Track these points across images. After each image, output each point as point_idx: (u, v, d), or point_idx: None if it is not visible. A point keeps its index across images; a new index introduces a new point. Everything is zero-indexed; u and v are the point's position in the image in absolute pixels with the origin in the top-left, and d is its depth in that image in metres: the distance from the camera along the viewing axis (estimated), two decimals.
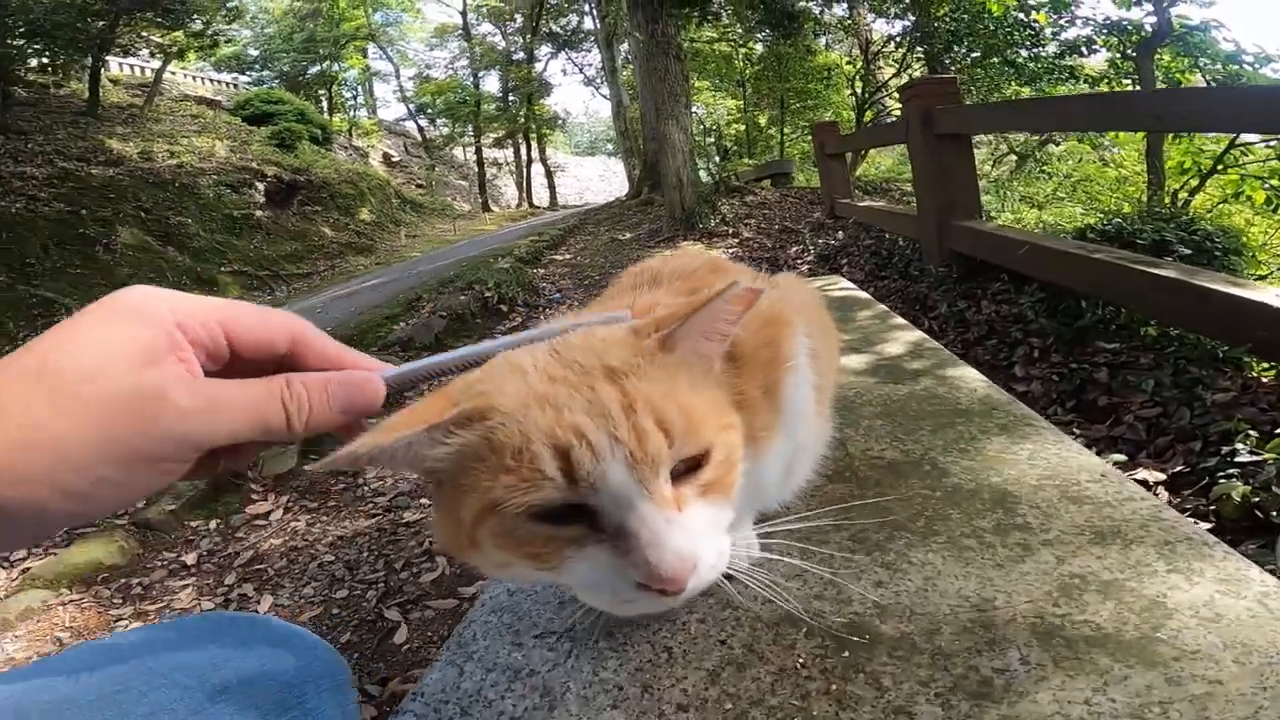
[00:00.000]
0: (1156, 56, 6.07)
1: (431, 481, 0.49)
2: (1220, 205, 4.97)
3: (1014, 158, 8.92)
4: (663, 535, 0.44)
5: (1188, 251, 2.64)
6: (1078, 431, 1.93)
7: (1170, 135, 5.08)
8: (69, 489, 0.31)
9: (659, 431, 0.45)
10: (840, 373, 1.34)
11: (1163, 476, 1.67)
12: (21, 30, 7.69)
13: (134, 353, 0.33)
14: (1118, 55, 6.59)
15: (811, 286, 0.89)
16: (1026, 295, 2.67)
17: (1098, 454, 1.81)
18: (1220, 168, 4.50)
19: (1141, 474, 1.68)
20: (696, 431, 0.47)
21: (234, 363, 0.39)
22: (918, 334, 1.56)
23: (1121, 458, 1.75)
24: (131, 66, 12.29)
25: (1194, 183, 4.66)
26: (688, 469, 0.47)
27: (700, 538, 0.46)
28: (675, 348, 0.49)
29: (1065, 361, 2.29)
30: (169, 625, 0.52)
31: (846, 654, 0.59)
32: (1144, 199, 5.08)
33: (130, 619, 2.03)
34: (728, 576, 0.60)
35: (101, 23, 8.35)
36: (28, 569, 2.32)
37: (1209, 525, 1.44)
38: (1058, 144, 8.50)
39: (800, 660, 0.59)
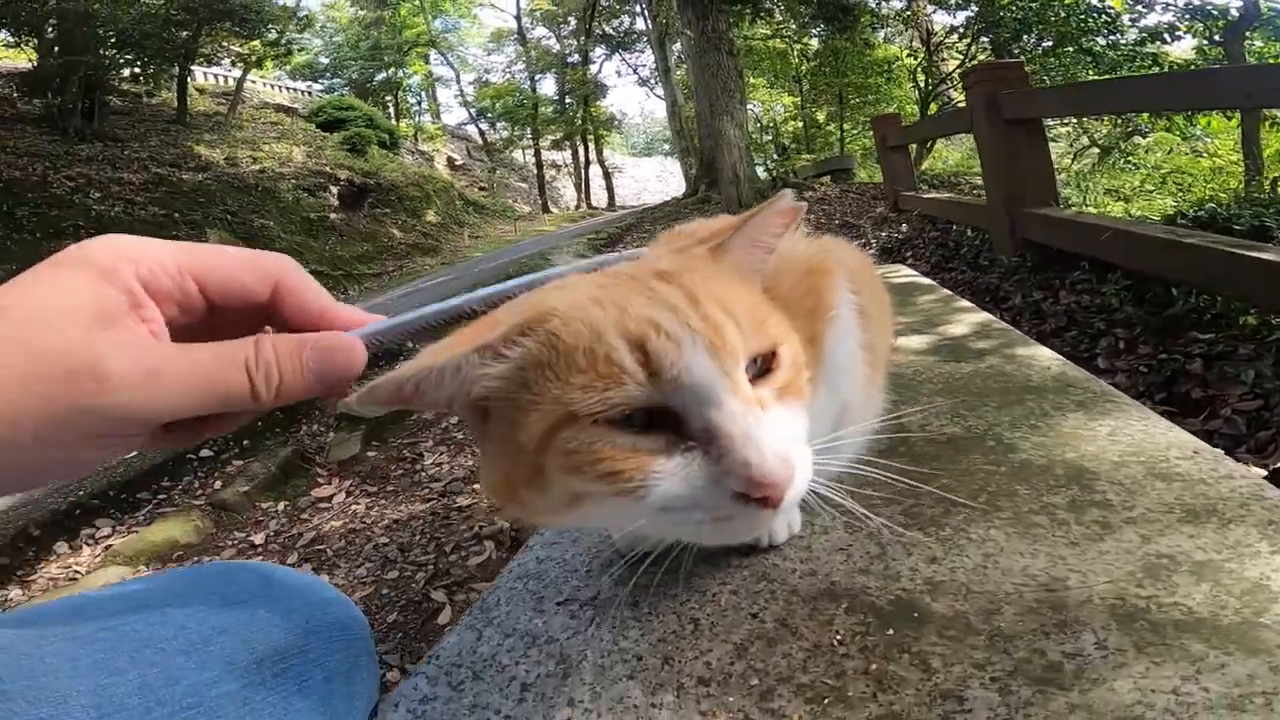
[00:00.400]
0: (1246, 41, 5.63)
1: (477, 417, 0.44)
2: None
3: (1096, 151, 8.41)
4: (758, 433, 0.39)
5: None
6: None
7: (1268, 122, 4.69)
8: None
9: (731, 321, 0.42)
10: (898, 351, 1.27)
11: (1263, 472, 1.52)
12: (112, 40, 8.23)
13: (87, 311, 0.30)
14: (1204, 41, 6.13)
15: (858, 249, 0.83)
16: (1110, 284, 2.49)
17: None
18: None
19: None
20: (763, 326, 0.44)
21: (212, 314, 0.36)
22: (984, 315, 1.46)
23: (1218, 453, 1.60)
24: (215, 76, 13.05)
25: None
26: (759, 373, 0.44)
27: (792, 438, 0.43)
28: (726, 255, 0.48)
29: (1154, 352, 2.12)
30: (187, 571, 0.53)
31: (891, 632, 0.53)
32: (1241, 188, 4.69)
33: None
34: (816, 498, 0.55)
35: (185, 33, 8.88)
36: (110, 545, 2.46)
37: None
38: (1144, 135, 7.97)
39: (838, 637, 0.54)
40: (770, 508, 0.39)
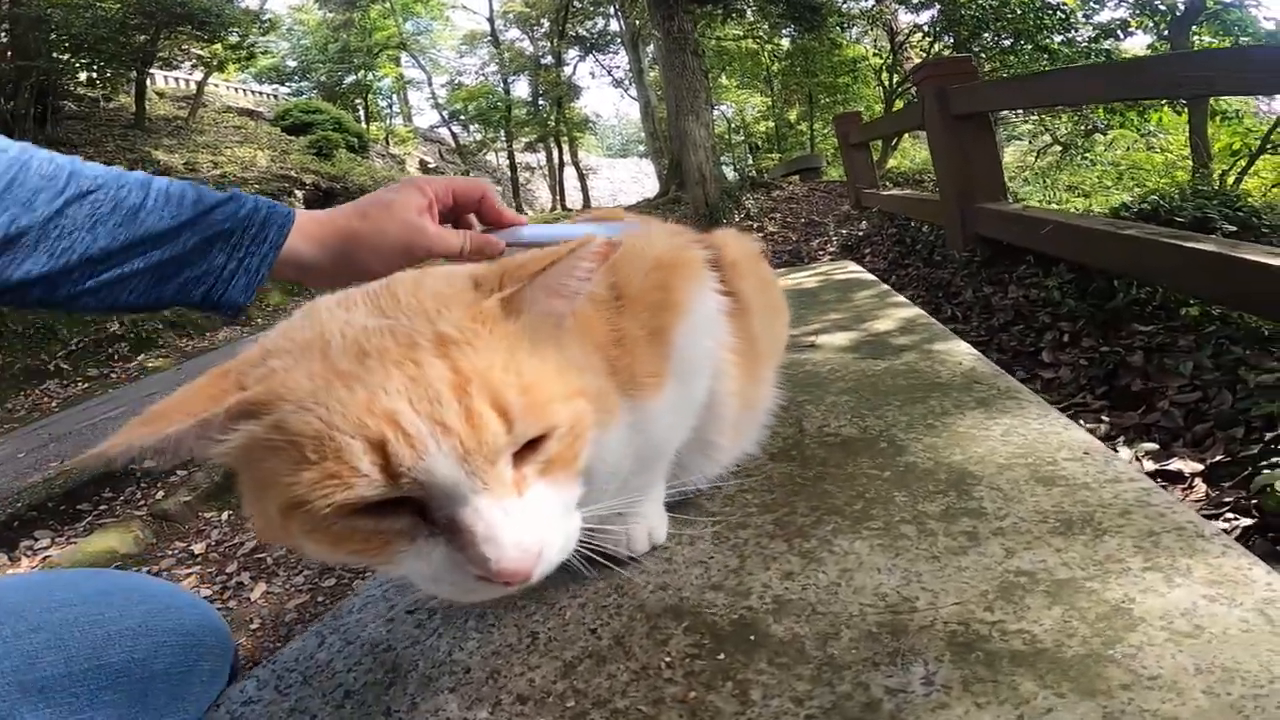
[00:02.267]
0: (1194, 35, 5.74)
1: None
2: (1275, 188, 4.63)
3: (1058, 148, 8.53)
4: (500, 529, 0.38)
5: (1232, 228, 2.44)
6: (1108, 419, 1.77)
7: (1217, 117, 4.78)
8: (381, 253, 0.62)
9: (497, 415, 0.37)
10: (818, 349, 1.23)
11: (1200, 467, 1.51)
12: (66, 44, 8.01)
13: (417, 206, 0.63)
14: (1155, 37, 6.26)
15: (751, 242, 0.79)
16: (1054, 277, 2.49)
17: (1128, 443, 1.66)
18: (1270, 147, 4.18)
19: (1176, 464, 1.53)
20: (540, 410, 0.40)
21: (455, 205, 0.68)
22: (914, 310, 1.43)
23: (1153, 446, 1.59)
24: (175, 79, 12.76)
25: (1243, 164, 4.35)
26: (528, 445, 0.40)
27: (545, 522, 0.40)
28: (521, 310, 0.42)
29: (1096, 346, 2.12)
30: (61, 574, 0.64)
31: (722, 656, 0.49)
32: (1189, 180, 4.77)
33: None
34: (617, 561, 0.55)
35: (143, 36, 8.65)
36: (48, 557, 2.38)
37: (1250, 521, 1.29)
38: (1103, 132, 8.10)
39: (667, 659, 0.50)
40: (517, 584, 0.40)
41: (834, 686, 0.45)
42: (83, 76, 9.21)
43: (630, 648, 0.53)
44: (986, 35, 7.19)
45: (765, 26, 11.38)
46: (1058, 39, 6.75)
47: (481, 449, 0.37)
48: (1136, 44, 6.73)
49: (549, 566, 0.41)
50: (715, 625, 0.53)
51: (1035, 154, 9.02)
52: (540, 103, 20.49)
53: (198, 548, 2.31)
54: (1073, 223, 2.36)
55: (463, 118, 20.97)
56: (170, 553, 2.34)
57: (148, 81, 10.30)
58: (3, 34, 7.98)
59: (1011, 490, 0.64)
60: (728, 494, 0.72)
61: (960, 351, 1.09)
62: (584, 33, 19.24)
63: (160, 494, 2.75)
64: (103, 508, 2.76)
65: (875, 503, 0.65)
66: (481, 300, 0.41)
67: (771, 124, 13.54)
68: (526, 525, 0.39)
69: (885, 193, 4.85)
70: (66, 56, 8.17)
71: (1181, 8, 5.41)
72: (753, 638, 0.50)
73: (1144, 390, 1.87)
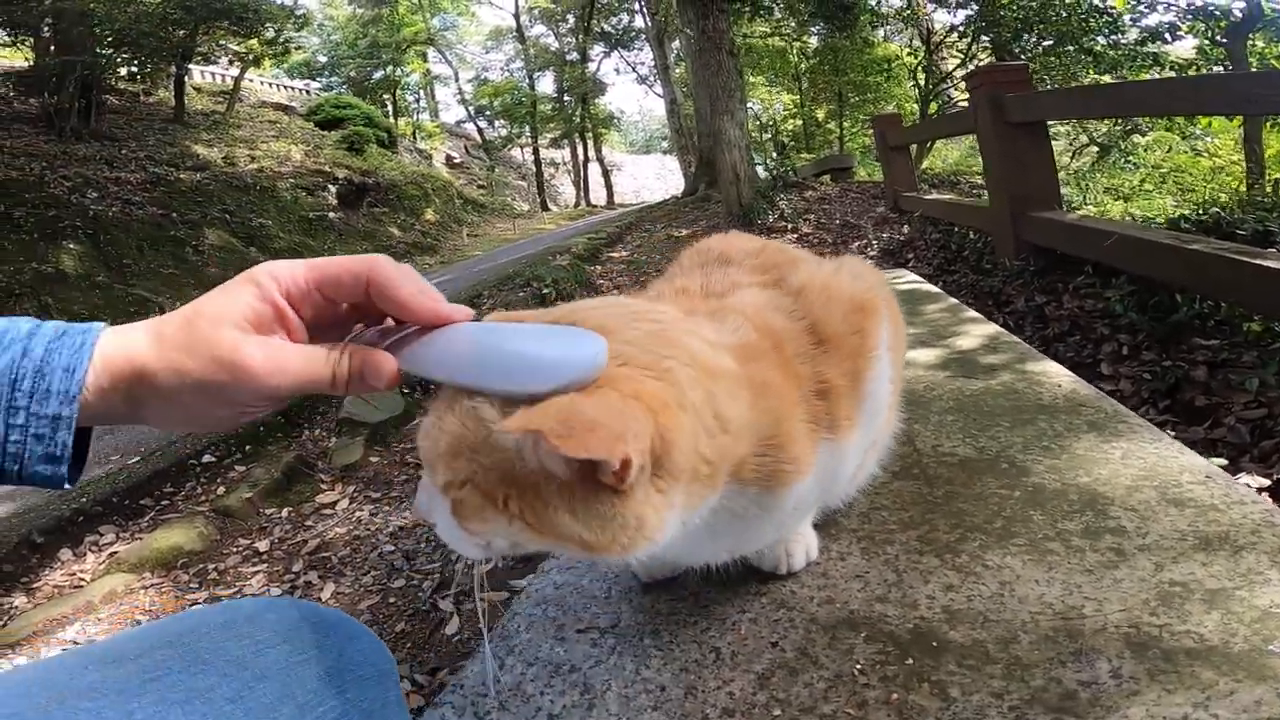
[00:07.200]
0: (1249, 42, 5.62)
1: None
2: None
3: (1095, 149, 8.41)
4: None
5: None
6: (1173, 433, 1.78)
7: (1269, 123, 4.69)
8: (181, 403, 0.41)
9: None
10: (908, 365, 1.27)
11: (1267, 482, 1.52)
12: (109, 39, 8.19)
13: (242, 317, 0.41)
14: (1206, 41, 6.14)
15: (874, 268, 0.83)
16: (1114, 289, 2.49)
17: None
18: None
19: (1244, 479, 1.54)
20: None
21: (334, 307, 0.46)
22: (993, 328, 1.46)
23: (1222, 461, 1.61)
24: (213, 74, 13.00)
25: None
26: None
27: None
28: None
29: (1158, 359, 2.13)
30: (219, 609, 0.52)
31: (910, 661, 0.54)
32: (1242, 189, 4.69)
33: (204, 602, 2.10)
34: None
35: (182, 31, 8.83)
36: (115, 553, 2.43)
37: None
38: (1144, 134, 7.96)
39: (858, 666, 0.55)
40: None
41: (1027, 682, 0.50)
42: (123, 71, 9.42)
43: (816, 657, 0.57)
44: (1028, 37, 7.09)
45: (792, 24, 11.33)
46: (1102, 41, 6.65)
47: None
48: (1183, 47, 6.62)
49: None
50: (893, 634, 0.57)
51: (1071, 155, 8.90)
52: (565, 98, 20.55)
53: (262, 545, 2.33)
54: (1136, 234, 2.36)
55: (488, 113, 21.10)
56: (235, 549, 2.35)
57: (186, 77, 10.51)
58: (46, 28, 8.18)
59: (1145, 511, 0.68)
60: (861, 511, 0.77)
61: (1056, 372, 1.12)
62: (609, 29, 19.25)
63: (221, 490, 2.80)
64: (164, 503, 2.78)
65: (1015, 521, 0.70)
66: None
67: (799, 122, 13.47)
68: None
69: (928, 197, 4.84)
70: (109, 51, 8.35)
71: (1238, 14, 5.31)
72: (934, 644, 0.55)
73: (1208, 405, 1.88)
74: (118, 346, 0.40)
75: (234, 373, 0.40)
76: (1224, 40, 5.54)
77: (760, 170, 7.70)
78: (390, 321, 0.47)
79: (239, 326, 0.41)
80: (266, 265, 0.43)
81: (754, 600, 0.65)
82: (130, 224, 7.22)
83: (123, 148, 8.74)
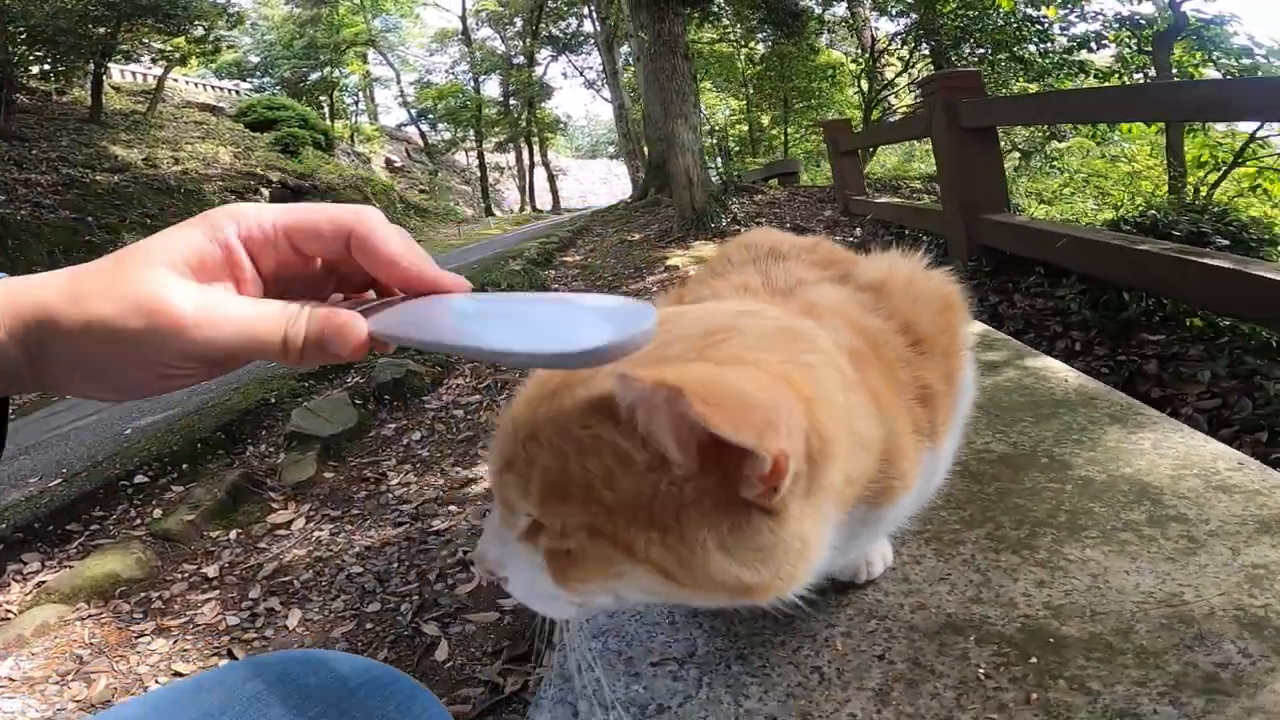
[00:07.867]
0: (1172, 54, 6.03)
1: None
2: (1237, 198, 4.93)
3: (1017, 155, 8.87)
4: None
5: (1225, 243, 2.60)
6: None
7: (1187, 129, 5.05)
8: (89, 358, 0.33)
9: None
10: None
11: None
12: (23, 36, 7.65)
13: (181, 258, 0.34)
14: (1128, 50, 6.57)
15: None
16: (1065, 288, 2.62)
17: None
18: (1240, 160, 4.46)
19: None
20: None
21: (307, 263, 0.39)
22: (980, 325, 1.50)
23: (1259, 464, 1.70)
24: (134, 73, 12.26)
25: (1213, 176, 4.62)
26: None
27: None
28: None
29: (1111, 354, 2.24)
30: (242, 679, 0.49)
31: (1034, 660, 0.53)
32: (1160, 193, 5.04)
33: (152, 634, 1.94)
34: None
35: (103, 29, 8.32)
36: (42, 582, 2.24)
37: None
38: (1063, 140, 8.45)
39: (981, 670, 0.53)
40: None
41: (1163, 669, 0.50)
42: (35, 69, 8.81)
43: (932, 666, 0.54)
44: (966, 45, 7.43)
45: (739, 30, 11.55)
46: (1033, 49, 7.03)
47: None
48: (1105, 55, 7.05)
49: None
50: (1003, 634, 0.56)
51: None
52: (511, 102, 20.34)
53: (210, 570, 2.17)
54: (1087, 236, 2.48)
55: (431, 116, 20.68)
56: (180, 576, 2.18)
57: (105, 75, 9.88)
58: None
59: (1197, 498, 0.70)
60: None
61: (1057, 367, 1.15)
62: (557, 33, 19.18)
63: (158, 512, 2.59)
64: (94, 527, 2.58)
65: (1078, 514, 0.71)
66: None
67: (745, 127, 13.73)
68: None
69: (879, 200, 4.98)
70: (22, 49, 7.79)
71: (1163, 24, 5.69)
72: (1051, 640, 0.54)
73: (1162, 397, 1.98)
74: (25, 287, 0.33)
75: (152, 319, 0.32)
76: (1148, 50, 5.94)
77: (710, 174, 7.78)
78: (371, 295, 0.39)
79: (173, 267, 0.33)
80: (232, 205, 0.37)
81: (839, 613, 0.62)
82: (41, 228, 6.73)
83: (33, 148, 8.15)
